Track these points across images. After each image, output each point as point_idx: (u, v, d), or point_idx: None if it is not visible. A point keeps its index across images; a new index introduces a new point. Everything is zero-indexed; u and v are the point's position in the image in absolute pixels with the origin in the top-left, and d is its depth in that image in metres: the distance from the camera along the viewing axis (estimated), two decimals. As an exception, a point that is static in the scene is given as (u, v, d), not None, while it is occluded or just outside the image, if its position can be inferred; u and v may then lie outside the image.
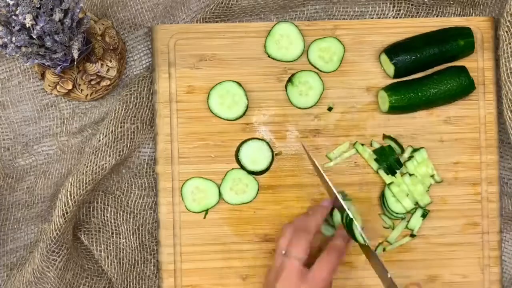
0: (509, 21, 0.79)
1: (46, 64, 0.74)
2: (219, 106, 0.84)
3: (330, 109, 0.85)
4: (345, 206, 0.75)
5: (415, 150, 0.85)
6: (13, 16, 0.65)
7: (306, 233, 0.75)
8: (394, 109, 0.83)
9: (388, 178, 0.84)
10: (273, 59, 0.84)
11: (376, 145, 0.85)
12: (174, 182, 0.84)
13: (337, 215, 0.77)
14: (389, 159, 0.84)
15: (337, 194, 0.77)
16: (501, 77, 0.81)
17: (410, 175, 0.84)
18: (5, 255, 0.87)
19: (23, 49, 0.68)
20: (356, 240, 0.75)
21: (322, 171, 0.78)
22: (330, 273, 0.73)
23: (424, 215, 0.84)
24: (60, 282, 0.82)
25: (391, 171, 0.84)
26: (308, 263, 0.74)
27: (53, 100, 0.87)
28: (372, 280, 0.86)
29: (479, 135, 0.86)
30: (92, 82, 0.82)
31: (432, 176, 0.85)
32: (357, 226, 0.74)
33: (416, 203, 0.85)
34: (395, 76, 0.85)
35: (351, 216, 0.74)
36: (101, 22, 0.83)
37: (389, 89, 0.84)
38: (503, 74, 0.80)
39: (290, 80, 0.83)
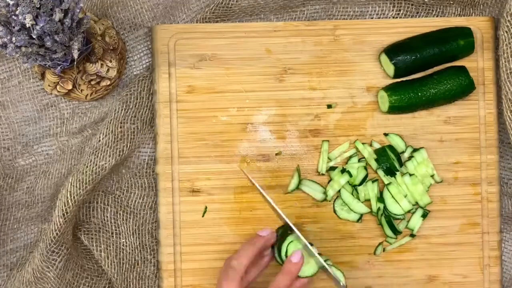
0: (509, 21, 0.79)
1: (46, 64, 0.74)
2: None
3: (329, 106, 0.85)
4: (299, 234, 0.75)
5: (415, 150, 0.85)
6: (13, 16, 0.65)
7: (234, 273, 0.71)
8: (394, 109, 0.83)
9: (386, 179, 0.84)
10: None
11: (376, 145, 0.85)
12: (174, 182, 0.84)
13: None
14: (389, 160, 0.84)
15: (290, 224, 0.77)
16: (501, 77, 0.81)
17: (410, 175, 0.84)
18: (5, 255, 0.87)
19: (23, 49, 0.68)
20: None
21: (274, 205, 0.79)
22: None
23: (424, 215, 0.84)
24: (60, 282, 0.82)
25: (390, 172, 0.84)
26: None
27: (53, 100, 0.87)
28: (373, 280, 0.86)
29: (479, 135, 0.86)
30: (92, 82, 0.82)
31: (432, 176, 0.85)
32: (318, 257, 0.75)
33: (416, 203, 0.85)
34: (395, 76, 0.85)
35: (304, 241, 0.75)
36: (101, 22, 0.83)
37: (389, 89, 0.84)
38: (503, 74, 0.80)
39: None
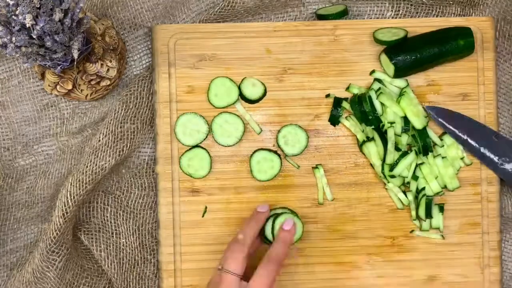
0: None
1: (46, 64, 0.74)
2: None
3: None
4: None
5: (444, 133, 0.85)
6: (13, 16, 0.65)
7: (240, 246, 0.73)
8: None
9: (419, 158, 0.84)
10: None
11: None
12: (174, 182, 0.84)
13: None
14: (426, 139, 0.83)
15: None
16: (502, 79, 0.81)
17: (443, 157, 0.84)
18: (5, 255, 0.87)
19: (23, 49, 0.68)
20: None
21: None
22: (268, 284, 0.71)
23: (441, 210, 0.85)
24: (60, 282, 0.82)
25: (425, 151, 0.83)
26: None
27: (53, 100, 0.87)
28: (373, 280, 0.86)
29: (479, 135, 0.86)
30: (92, 82, 0.82)
31: (462, 158, 0.85)
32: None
33: (445, 187, 0.85)
34: (395, 76, 0.85)
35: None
36: (101, 22, 0.83)
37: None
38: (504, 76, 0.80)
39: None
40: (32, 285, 0.83)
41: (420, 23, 0.86)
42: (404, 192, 0.85)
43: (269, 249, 0.75)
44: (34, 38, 0.68)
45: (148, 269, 0.86)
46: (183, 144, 0.84)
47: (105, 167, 0.81)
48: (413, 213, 0.85)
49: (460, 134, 0.83)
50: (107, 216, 0.85)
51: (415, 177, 0.84)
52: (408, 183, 0.85)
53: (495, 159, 0.83)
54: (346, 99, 0.85)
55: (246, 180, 0.85)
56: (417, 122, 0.82)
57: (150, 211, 0.87)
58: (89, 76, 0.82)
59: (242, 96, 0.84)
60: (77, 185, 0.80)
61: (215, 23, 0.86)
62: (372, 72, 0.86)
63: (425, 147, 0.83)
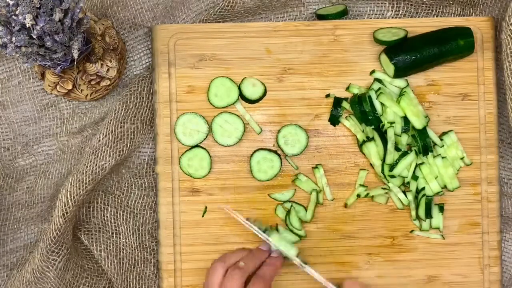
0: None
1: (46, 64, 0.74)
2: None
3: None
4: (271, 244, 0.78)
5: (444, 133, 0.85)
6: (13, 16, 0.65)
7: (240, 273, 0.74)
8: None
9: (419, 158, 0.84)
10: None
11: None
12: (174, 182, 0.84)
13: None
14: (426, 139, 0.83)
15: (262, 236, 0.79)
16: (506, 82, 0.80)
17: (443, 157, 0.84)
18: (5, 255, 0.87)
19: (23, 49, 0.68)
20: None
21: (244, 222, 0.80)
22: None
23: (441, 210, 0.85)
24: (60, 282, 0.82)
25: (425, 151, 0.83)
26: None
27: (53, 100, 0.87)
28: (372, 280, 0.86)
29: (479, 135, 0.86)
30: (92, 82, 0.82)
31: (462, 158, 0.85)
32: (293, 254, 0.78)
33: (445, 187, 0.85)
34: (395, 76, 0.85)
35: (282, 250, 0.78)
36: (101, 22, 0.83)
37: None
38: (507, 78, 0.80)
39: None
40: (32, 285, 0.83)
41: (420, 23, 0.86)
42: (404, 192, 0.85)
43: (258, 271, 0.75)
44: (34, 38, 0.68)
45: (148, 269, 0.86)
46: (183, 144, 0.84)
47: (105, 167, 0.81)
48: (413, 213, 0.85)
49: None
50: (107, 216, 0.85)
51: (415, 177, 0.84)
52: (408, 183, 0.85)
53: None
54: (346, 99, 0.85)
55: (246, 180, 0.85)
56: (417, 122, 0.82)
57: (150, 211, 0.87)
58: (89, 76, 0.82)
59: (242, 96, 0.84)
60: (77, 185, 0.80)
61: (215, 23, 0.86)
62: (372, 72, 0.86)
63: (425, 147, 0.83)
